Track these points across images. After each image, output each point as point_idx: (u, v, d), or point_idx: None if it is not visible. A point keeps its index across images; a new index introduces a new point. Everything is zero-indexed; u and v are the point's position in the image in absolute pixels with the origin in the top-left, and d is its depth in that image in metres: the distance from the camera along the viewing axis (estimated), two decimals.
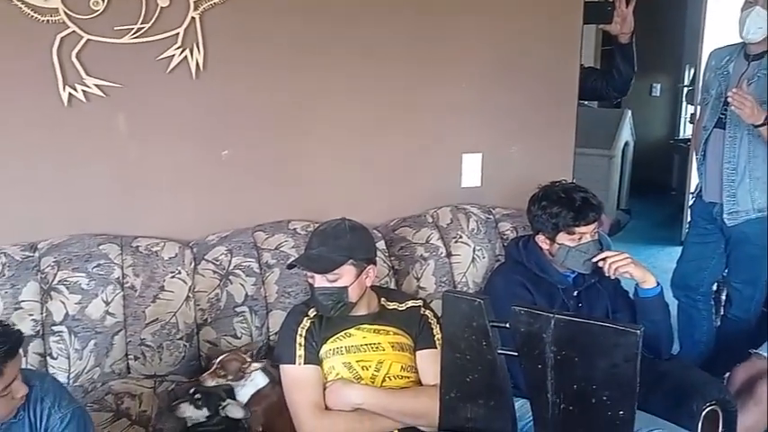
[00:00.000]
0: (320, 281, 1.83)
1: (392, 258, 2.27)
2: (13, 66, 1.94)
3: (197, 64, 2.08)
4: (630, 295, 2.06)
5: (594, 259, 1.99)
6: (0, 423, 1.38)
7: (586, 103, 4.97)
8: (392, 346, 1.87)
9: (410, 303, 1.98)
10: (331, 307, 1.83)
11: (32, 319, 1.89)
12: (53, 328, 1.91)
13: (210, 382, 1.84)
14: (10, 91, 1.96)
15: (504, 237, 2.37)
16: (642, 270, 1.98)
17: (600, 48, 4.96)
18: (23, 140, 2.01)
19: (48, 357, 1.91)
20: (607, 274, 1.99)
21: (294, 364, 1.82)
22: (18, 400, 1.38)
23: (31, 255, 1.97)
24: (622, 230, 5.09)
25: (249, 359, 1.92)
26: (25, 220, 2.04)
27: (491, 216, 2.42)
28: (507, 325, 1.15)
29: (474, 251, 2.32)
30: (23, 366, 1.73)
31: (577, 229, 1.98)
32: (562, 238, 2.00)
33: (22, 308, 1.89)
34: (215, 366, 1.87)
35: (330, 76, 2.26)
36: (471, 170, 2.50)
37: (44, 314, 1.91)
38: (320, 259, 1.83)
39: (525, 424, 1.54)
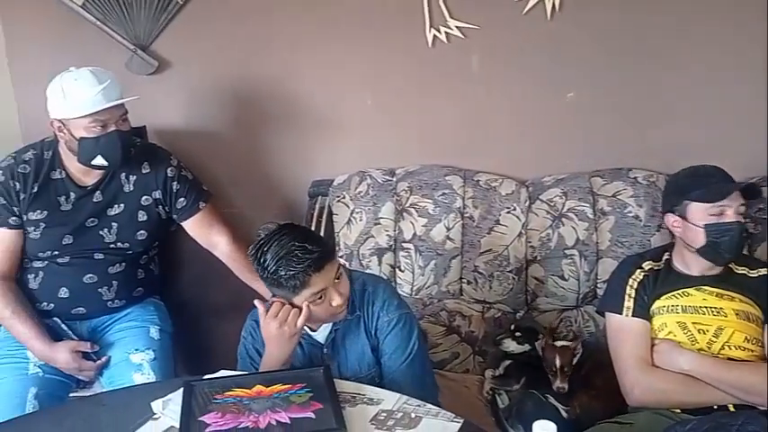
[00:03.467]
0: (732, 213, 1.71)
1: (746, 220, 2.03)
2: (390, 10, 2.17)
3: (553, 5, 2.08)
4: None
5: None
6: (339, 321, 1.54)
7: None
8: (736, 314, 1.70)
9: (763, 271, 1.77)
10: (739, 245, 1.73)
11: (387, 234, 2.17)
12: (403, 244, 2.16)
13: (562, 385, 1.86)
14: (386, 33, 2.20)
15: None
16: None
17: None
18: (393, 78, 2.25)
19: (397, 269, 2.18)
20: None
21: (621, 314, 1.78)
22: (336, 308, 1.46)
23: (390, 179, 2.24)
24: None
25: (578, 350, 1.92)
26: (387, 148, 2.31)
27: None
28: None
29: None
30: (373, 273, 1.95)
31: None
32: None
33: (380, 223, 2.17)
34: (559, 371, 1.86)
35: (686, 19, 2.07)
36: None
37: (396, 231, 2.18)
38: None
39: None
